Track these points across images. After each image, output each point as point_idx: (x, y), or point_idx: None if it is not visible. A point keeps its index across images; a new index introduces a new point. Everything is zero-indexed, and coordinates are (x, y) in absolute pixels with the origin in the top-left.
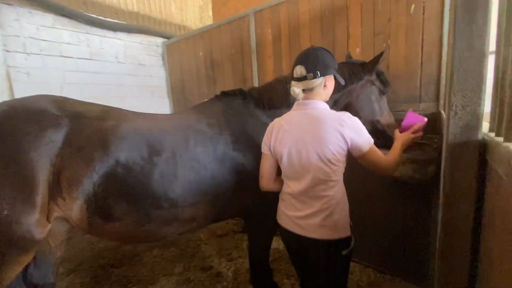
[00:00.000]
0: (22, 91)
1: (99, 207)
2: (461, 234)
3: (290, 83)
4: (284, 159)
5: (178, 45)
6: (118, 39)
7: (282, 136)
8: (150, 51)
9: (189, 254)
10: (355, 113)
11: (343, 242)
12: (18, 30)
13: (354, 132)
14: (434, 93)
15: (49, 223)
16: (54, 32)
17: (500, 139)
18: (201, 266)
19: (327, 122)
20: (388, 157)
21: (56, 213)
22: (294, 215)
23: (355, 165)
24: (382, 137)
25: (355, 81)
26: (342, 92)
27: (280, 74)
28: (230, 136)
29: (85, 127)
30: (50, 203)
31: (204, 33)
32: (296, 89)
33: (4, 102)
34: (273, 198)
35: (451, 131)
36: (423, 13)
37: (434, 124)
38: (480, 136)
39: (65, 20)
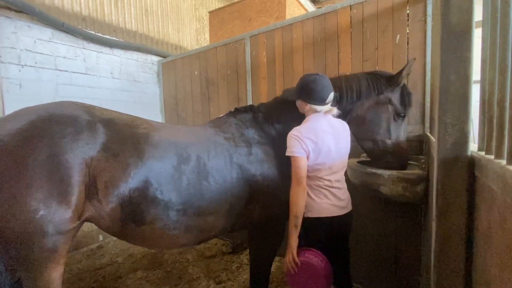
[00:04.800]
0: (13, 102)
1: (133, 212)
2: (455, 246)
3: (294, 102)
4: (323, 156)
5: (174, 64)
6: (114, 55)
7: (323, 138)
8: (145, 68)
9: (175, 276)
10: (358, 127)
11: None
12: (14, 42)
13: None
14: (419, 116)
15: (78, 221)
16: (51, 46)
17: (491, 156)
18: None
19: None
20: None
21: (89, 213)
22: (338, 200)
23: (346, 183)
24: (377, 160)
25: (371, 95)
26: (354, 104)
27: (273, 94)
28: (244, 148)
29: (119, 133)
30: (85, 203)
31: (200, 54)
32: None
33: (34, 108)
34: (279, 213)
35: (441, 148)
36: (408, 43)
37: (420, 146)
38: (469, 152)
39: (63, 35)
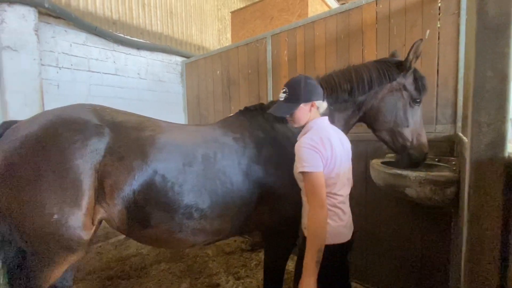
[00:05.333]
0: (52, 102)
1: (138, 214)
2: (489, 253)
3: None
4: (338, 166)
5: (196, 64)
6: (141, 56)
7: (335, 143)
8: (169, 68)
9: (196, 270)
10: (374, 118)
11: None
12: (53, 46)
13: None
14: (450, 116)
15: (93, 225)
16: (85, 49)
17: None
18: (208, 283)
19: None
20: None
21: (101, 215)
22: (349, 219)
23: (370, 184)
24: (403, 154)
25: (383, 82)
26: (367, 95)
27: None
28: (253, 149)
29: (124, 136)
30: (96, 207)
31: (222, 53)
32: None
33: (48, 112)
34: (292, 214)
35: (475, 149)
36: (438, 38)
37: (451, 147)
38: (506, 154)
39: (95, 39)
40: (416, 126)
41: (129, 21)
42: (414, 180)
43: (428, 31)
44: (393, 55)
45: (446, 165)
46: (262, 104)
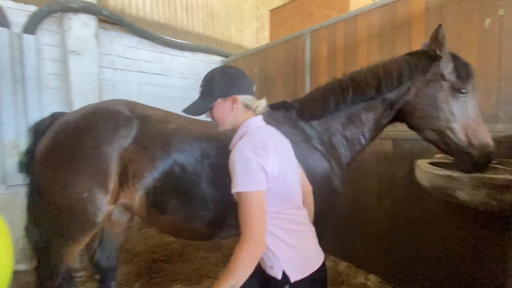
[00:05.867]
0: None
1: (156, 200)
2: None
3: (333, 88)
4: (290, 179)
5: (235, 63)
6: (184, 57)
7: (284, 147)
8: (210, 68)
9: None
10: (412, 116)
11: None
12: (109, 50)
13: None
14: None
15: (113, 205)
16: (136, 52)
17: None
18: None
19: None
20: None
21: (123, 199)
22: (315, 242)
23: (414, 186)
24: (460, 156)
25: (415, 75)
26: (397, 90)
27: None
28: None
29: (151, 128)
30: (119, 191)
31: (260, 52)
32: (257, 103)
33: (90, 104)
34: (324, 208)
35: None
36: (501, 28)
37: None
38: None
39: (145, 42)
40: (468, 120)
41: (174, 24)
42: (466, 182)
43: (487, 20)
44: (425, 46)
45: (507, 168)
46: (286, 102)
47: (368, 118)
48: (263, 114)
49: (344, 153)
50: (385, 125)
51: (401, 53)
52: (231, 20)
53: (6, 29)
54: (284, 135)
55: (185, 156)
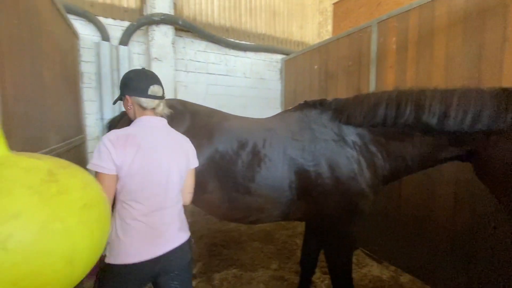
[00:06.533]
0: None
1: (200, 181)
2: None
3: (387, 102)
4: (143, 176)
5: (295, 60)
6: (247, 57)
7: (143, 151)
8: (270, 67)
9: (285, 255)
10: (488, 173)
11: None
12: (183, 55)
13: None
14: None
15: None
16: (205, 55)
17: None
18: (295, 269)
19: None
20: None
21: None
22: (154, 239)
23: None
24: None
25: (500, 123)
26: (468, 131)
27: (403, 84)
28: (300, 143)
29: (199, 121)
30: None
31: (321, 47)
32: (153, 104)
33: None
34: (333, 214)
35: None
36: None
37: None
38: None
39: (213, 45)
40: None
41: (238, 27)
42: None
43: None
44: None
45: None
46: (324, 100)
47: (423, 144)
48: (166, 115)
49: (382, 164)
50: (447, 160)
51: (491, 42)
52: (292, 17)
53: (107, 42)
54: (312, 132)
55: (225, 145)
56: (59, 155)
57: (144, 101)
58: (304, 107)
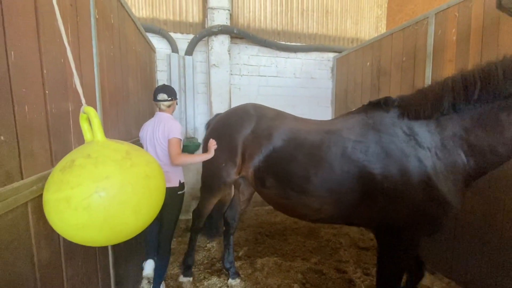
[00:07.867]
0: (236, 101)
1: (260, 176)
2: None
3: (451, 84)
4: (144, 144)
5: (347, 57)
6: (297, 58)
7: (144, 131)
8: (321, 65)
9: (327, 252)
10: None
11: None
12: (238, 60)
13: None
14: None
15: (238, 176)
16: (257, 59)
17: None
18: (335, 266)
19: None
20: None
21: (243, 172)
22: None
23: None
24: None
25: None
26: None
27: None
28: (363, 145)
29: (263, 123)
30: (242, 166)
31: (374, 43)
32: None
33: (233, 107)
34: (404, 219)
35: None
36: None
37: None
38: None
39: (264, 49)
40: None
41: (289, 29)
42: None
43: None
44: None
45: None
46: (388, 99)
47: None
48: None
49: (464, 161)
50: None
51: None
52: (347, 14)
53: (176, 54)
54: (377, 133)
55: (282, 146)
56: (135, 143)
57: (155, 103)
58: (367, 107)
